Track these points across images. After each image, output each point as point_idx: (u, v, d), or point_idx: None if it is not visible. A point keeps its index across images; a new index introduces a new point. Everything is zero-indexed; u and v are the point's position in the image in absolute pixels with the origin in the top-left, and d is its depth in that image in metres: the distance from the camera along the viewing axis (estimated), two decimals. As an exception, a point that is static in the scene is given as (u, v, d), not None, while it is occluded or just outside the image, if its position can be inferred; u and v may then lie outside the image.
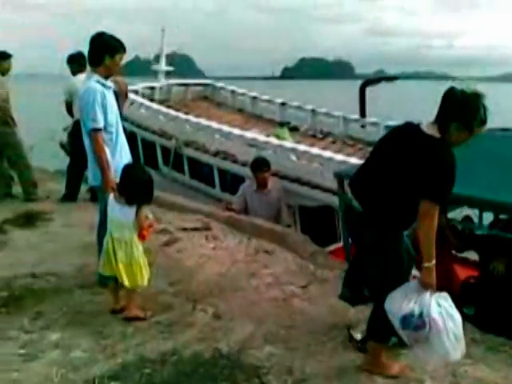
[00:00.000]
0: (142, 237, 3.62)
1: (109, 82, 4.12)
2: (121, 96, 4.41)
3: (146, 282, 3.64)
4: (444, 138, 2.77)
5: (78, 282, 4.26)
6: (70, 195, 6.93)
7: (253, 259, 4.84)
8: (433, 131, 2.79)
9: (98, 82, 3.98)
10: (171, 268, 4.56)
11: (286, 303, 3.92)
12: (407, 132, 2.90)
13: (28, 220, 6.05)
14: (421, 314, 2.72)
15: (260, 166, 6.67)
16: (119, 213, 3.61)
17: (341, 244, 7.13)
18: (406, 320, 2.75)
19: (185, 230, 5.56)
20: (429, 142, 2.76)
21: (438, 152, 2.73)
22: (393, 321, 2.82)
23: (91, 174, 4.14)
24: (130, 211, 3.57)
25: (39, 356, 3.15)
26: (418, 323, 2.73)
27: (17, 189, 7.13)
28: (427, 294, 2.77)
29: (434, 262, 2.77)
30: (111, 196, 3.70)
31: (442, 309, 2.75)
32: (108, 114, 3.98)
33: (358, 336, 3.33)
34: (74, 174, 6.96)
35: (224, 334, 3.42)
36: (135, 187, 3.58)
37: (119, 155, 4.10)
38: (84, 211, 6.49)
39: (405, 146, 2.83)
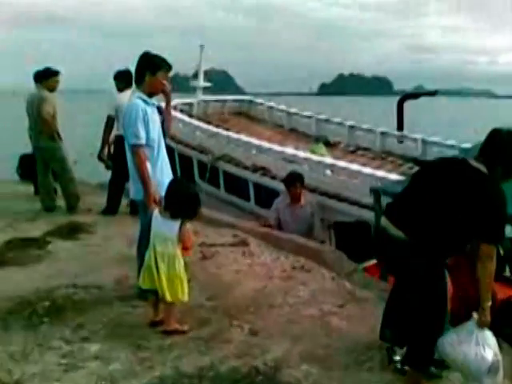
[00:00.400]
0: (185, 251, 3.71)
1: (152, 100, 4.18)
2: (167, 112, 4.53)
3: (186, 297, 3.69)
4: (493, 175, 2.82)
5: (117, 294, 4.34)
6: (111, 209, 7.07)
7: (289, 276, 4.82)
8: (481, 167, 2.83)
9: (140, 98, 4.06)
10: (208, 283, 4.59)
11: (322, 321, 3.88)
12: (455, 164, 2.93)
13: (70, 232, 6.21)
14: (496, 358, 2.82)
15: (293, 180, 6.68)
16: (163, 227, 3.67)
17: (375, 261, 7.04)
18: (492, 368, 2.82)
19: (222, 245, 5.60)
20: (480, 178, 2.81)
21: (490, 192, 2.77)
22: (477, 370, 2.83)
23: (133, 189, 4.22)
24: (175, 225, 3.64)
25: (79, 367, 3.21)
26: (497, 365, 2.83)
27: (60, 201, 7.34)
28: (488, 334, 2.84)
29: (490, 302, 2.84)
30: (156, 210, 3.76)
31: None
32: (150, 130, 4.06)
33: (397, 357, 3.27)
34: (115, 188, 7.12)
35: (261, 351, 3.41)
36: (181, 202, 3.65)
37: (160, 170, 4.17)
38: (124, 224, 6.61)
39: (454, 178, 2.85)
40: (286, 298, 4.29)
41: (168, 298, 3.61)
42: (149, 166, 4.04)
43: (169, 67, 4.17)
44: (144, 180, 3.99)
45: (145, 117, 4.01)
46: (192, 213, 3.72)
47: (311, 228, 6.61)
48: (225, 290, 4.45)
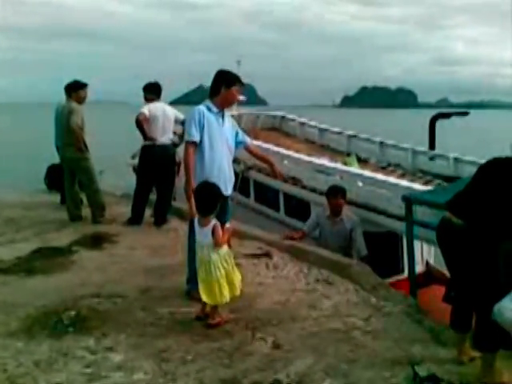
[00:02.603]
0: (228, 245, 4.04)
1: (223, 111, 4.60)
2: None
3: (225, 300, 3.92)
4: None
5: (141, 304, 4.36)
6: (136, 219, 7.14)
7: (313, 289, 4.78)
8: None
9: (206, 106, 4.52)
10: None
11: (347, 336, 3.83)
12: (505, 162, 3.24)
13: (95, 241, 6.29)
14: None
15: (333, 192, 6.63)
16: (199, 235, 3.98)
17: (402, 277, 6.93)
18: None
19: (245, 256, 5.59)
20: None
21: None
22: None
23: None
24: (208, 233, 3.90)
25: (103, 376, 3.22)
26: None
27: (86, 211, 7.44)
28: None
29: None
30: (196, 219, 4.04)
31: None
32: (204, 134, 4.43)
33: (423, 373, 3.21)
34: (140, 198, 7.19)
35: (283, 364, 3.37)
36: (205, 200, 3.98)
37: (208, 172, 4.43)
38: (147, 235, 6.69)
39: (504, 173, 3.18)
40: (309, 311, 4.26)
41: (205, 299, 3.92)
42: (197, 164, 4.43)
43: (241, 83, 4.63)
44: (186, 171, 4.41)
45: (201, 119, 4.44)
46: (212, 203, 3.98)
47: (349, 243, 6.53)
48: (248, 302, 4.43)
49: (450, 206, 3.44)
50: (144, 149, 7.11)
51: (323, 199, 6.94)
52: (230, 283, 3.95)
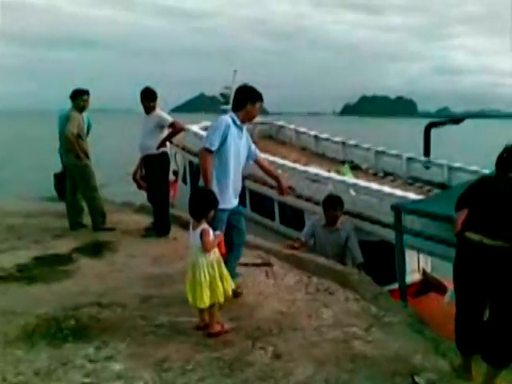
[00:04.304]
0: (222, 255, 4.04)
1: (239, 122, 4.64)
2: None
3: (204, 304, 3.90)
4: None
5: (141, 312, 4.35)
6: (168, 229, 7.09)
7: (313, 298, 4.77)
8: None
9: (232, 118, 4.62)
10: (231, 303, 4.55)
11: (347, 345, 3.82)
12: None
13: (95, 249, 6.31)
14: None
15: (331, 205, 6.62)
16: (191, 237, 4.05)
17: (397, 286, 6.93)
18: None
19: (245, 265, 5.58)
20: None
21: None
22: None
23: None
24: (196, 235, 3.95)
25: (103, 386, 3.22)
26: None
27: (87, 219, 7.43)
28: None
29: None
30: (191, 223, 4.09)
31: None
32: (225, 144, 4.50)
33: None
34: (159, 205, 7.11)
35: (284, 374, 3.37)
36: (194, 204, 4.03)
37: (221, 182, 4.52)
38: (147, 243, 6.68)
39: None
40: (309, 321, 4.25)
41: (190, 301, 3.94)
42: (214, 172, 4.48)
43: (262, 100, 4.75)
44: (205, 177, 4.47)
45: (225, 130, 4.51)
46: (204, 208, 3.99)
47: (344, 251, 6.54)
48: (248, 311, 4.43)
49: (475, 228, 3.31)
50: (164, 155, 7.06)
51: (317, 208, 6.95)
52: (213, 290, 3.92)
